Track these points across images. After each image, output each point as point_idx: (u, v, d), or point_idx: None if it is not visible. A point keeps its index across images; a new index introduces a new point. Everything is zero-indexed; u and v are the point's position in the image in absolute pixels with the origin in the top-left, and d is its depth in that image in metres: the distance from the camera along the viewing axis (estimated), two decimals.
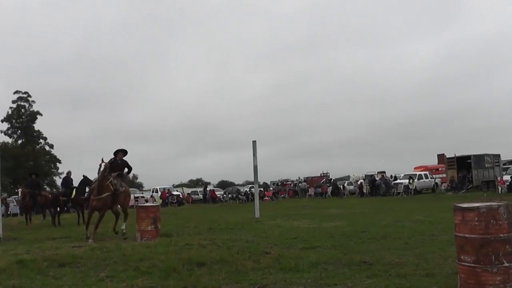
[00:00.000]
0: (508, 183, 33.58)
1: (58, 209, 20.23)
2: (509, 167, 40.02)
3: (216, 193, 47.60)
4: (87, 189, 17.14)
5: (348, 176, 54.08)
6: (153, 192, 48.84)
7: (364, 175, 50.43)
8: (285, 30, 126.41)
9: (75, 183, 20.27)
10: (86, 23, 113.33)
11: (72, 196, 19.65)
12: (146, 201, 38.05)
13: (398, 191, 38.29)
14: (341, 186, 45.57)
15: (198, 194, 49.32)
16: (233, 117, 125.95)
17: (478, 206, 5.37)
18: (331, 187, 46.28)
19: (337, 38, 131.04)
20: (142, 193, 48.53)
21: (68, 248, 10.45)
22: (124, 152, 13.47)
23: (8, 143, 63.72)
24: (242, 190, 49.53)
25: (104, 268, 7.76)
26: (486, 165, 39.19)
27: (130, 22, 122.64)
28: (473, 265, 5.27)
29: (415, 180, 39.88)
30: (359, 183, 45.33)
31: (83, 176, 19.66)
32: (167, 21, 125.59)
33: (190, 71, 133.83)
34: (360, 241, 10.38)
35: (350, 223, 14.81)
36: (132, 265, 7.81)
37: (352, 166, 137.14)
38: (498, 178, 35.79)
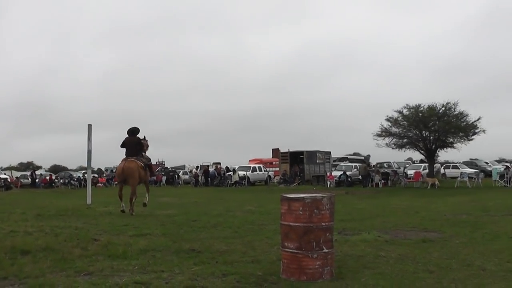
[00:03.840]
0: (336, 179, 36.25)
1: None
2: (338, 164, 43.32)
3: (47, 178, 45.28)
4: None
5: (184, 166, 54.25)
6: None
7: (200, 165, 50.97)
8: (133, 9, 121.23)
9: None
10: None
11: None
12: None
13: (232, 182, 39.23)
14: (176, 176, 45.65)
15: (28, 178, 46.52)
16: (70, 97, 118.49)
17: (303, 197, 5.66)
18: (165, 176, 46.19)
19: (189, 23, 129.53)
20: None
21: None
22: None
23: None
24: (75, 175, 47.80)
25: None
26: (317, 161, 41.93)
27: None
28: (295, 251, 5.55)
29: (250, 172, 41.35)
30: (193, 172, 45.77)
31: None
32: None
33: (26, 42, 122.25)
34: (190, 229, 10.40)
35: (182, 211, 14.83)
36: None
37: (189, 156, 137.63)
38: (328, 173, 38.58)
